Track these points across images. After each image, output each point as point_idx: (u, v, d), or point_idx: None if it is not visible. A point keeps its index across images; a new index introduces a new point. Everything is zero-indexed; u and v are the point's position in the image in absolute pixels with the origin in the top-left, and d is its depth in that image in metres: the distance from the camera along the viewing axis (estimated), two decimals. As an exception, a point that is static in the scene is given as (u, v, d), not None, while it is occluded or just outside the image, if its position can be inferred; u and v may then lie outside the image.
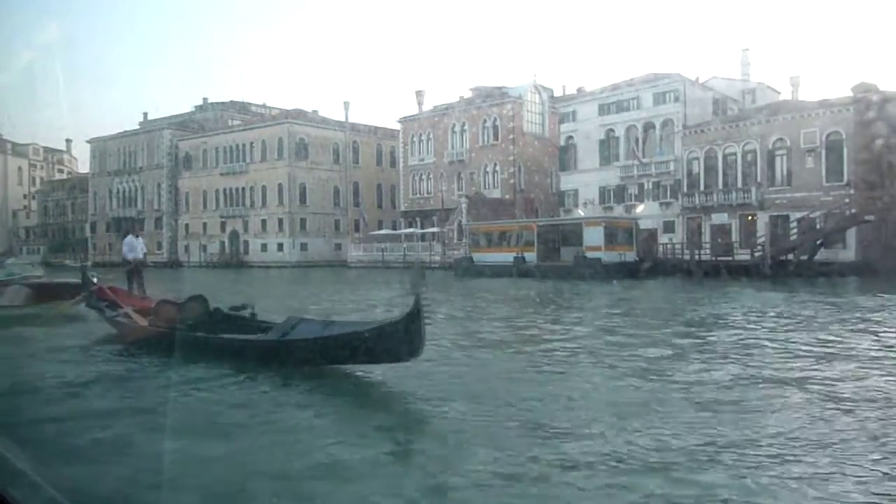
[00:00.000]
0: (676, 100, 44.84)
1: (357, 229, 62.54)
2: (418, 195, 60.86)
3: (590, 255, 35.05)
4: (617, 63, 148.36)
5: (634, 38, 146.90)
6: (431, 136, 59.69)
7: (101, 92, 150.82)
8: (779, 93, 53.14)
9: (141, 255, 15.66)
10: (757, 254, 34.75)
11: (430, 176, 59.92)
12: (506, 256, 38.66)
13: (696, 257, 36.01)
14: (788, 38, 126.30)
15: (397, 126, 63.87)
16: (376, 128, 70.41)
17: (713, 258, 36.17)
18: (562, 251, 37.90)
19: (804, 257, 33.29)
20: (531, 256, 38.27)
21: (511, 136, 54.97)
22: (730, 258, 35.84)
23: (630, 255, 36.67)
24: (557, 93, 63.45)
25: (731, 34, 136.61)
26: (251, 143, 67.37)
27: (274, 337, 7.87)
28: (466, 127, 57.49)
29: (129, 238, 15.89)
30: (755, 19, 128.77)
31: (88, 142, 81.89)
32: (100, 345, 10.25)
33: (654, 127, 45.84)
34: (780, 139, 39.85)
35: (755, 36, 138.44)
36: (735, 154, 41.67)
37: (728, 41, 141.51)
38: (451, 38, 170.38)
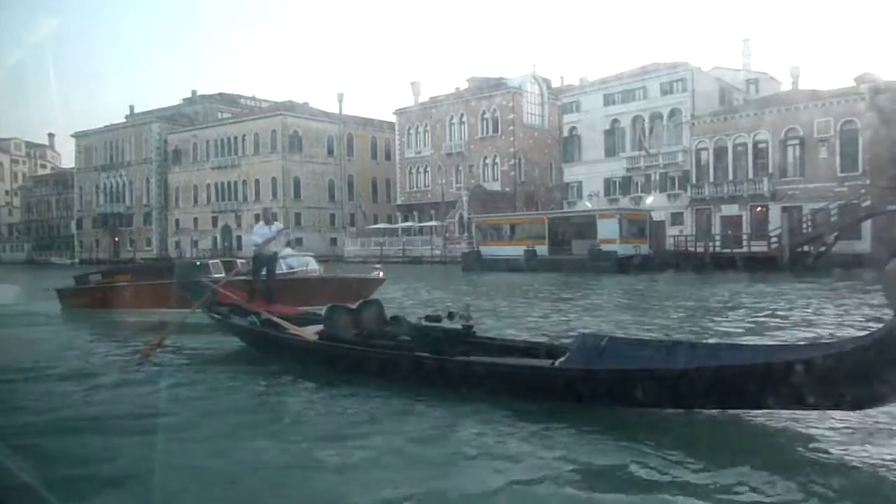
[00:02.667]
0: (684, 89, 44.06)
1: (353, 223, 61.23)
2: (415, 188, 59.77)
3: (604, 247, 34.25)
4: (616, 54, 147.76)
5: (633, 29, 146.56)
6: (428, 127, 58.63)
7: (84, 85, 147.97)
8: (780, 83, 52.71)
9: (282, 244, 11.66)
10: (773, 245, 34.11)
11: (428, 168, 58.85)
12: (515, 250, 37.73)
13: (710, 249, 35.32)
14: (786, 28, 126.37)
15: (393, 118, 62.73)
16: (371, 120, 69.16)
17: (726, 250, 35.50)
18: (574, 244, 37.09)
19: (822, 249, 32.73)
20: (542, 249, 37.38)
21: (511, 128, 54.10)
22: (744, 250, 35.17)
23: (644, 248, 35.93)
24: (556, 84, 62.64)
25: (731, 24, 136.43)
26: (243, 136, 65.94)
27: (581, 365, 5.42)
28: (465, 118, 56.49)
29: (260, 226, 10.85)
30: (754, 9, 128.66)
31: (73, 136, 79.73)
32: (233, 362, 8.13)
33: (661, 117, 45.05)
34: (793, 129, 39.23)
35: (754, 26, 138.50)
36: (745, 144, 40.99)
37: (728, 32, 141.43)
38: (446, 28, 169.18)
